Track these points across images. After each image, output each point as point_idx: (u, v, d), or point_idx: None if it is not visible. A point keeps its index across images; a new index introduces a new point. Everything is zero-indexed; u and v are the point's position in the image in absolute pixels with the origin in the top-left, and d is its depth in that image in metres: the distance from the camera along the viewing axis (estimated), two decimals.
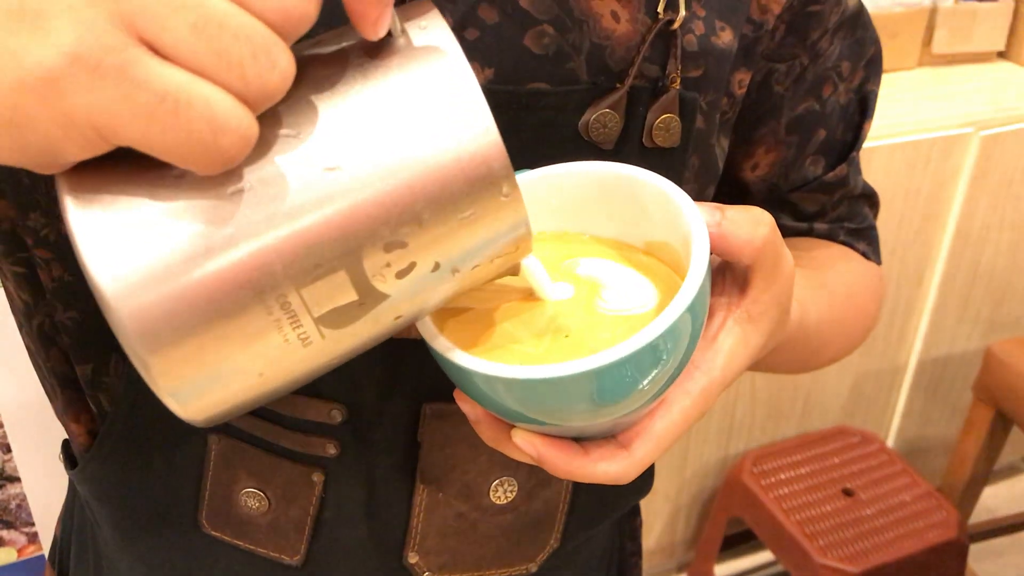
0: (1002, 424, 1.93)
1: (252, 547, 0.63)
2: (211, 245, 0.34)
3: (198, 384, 0.36)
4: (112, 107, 0.31)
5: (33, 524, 1.66)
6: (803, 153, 0.69)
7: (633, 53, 0.54)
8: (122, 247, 0.33)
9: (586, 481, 0.46)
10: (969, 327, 2.09)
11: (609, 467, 0.45)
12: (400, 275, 0.37)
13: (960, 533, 1.76)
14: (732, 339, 0.48)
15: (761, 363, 0.54)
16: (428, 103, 0.36)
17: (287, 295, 0.35)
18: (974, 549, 1.94)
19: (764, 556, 2.13)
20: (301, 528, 0.62)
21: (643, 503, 1.99)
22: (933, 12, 1.96)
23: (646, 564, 2.08)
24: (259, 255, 0.34)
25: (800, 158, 0.69)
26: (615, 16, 0.54)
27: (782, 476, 1.86)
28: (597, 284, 0.48)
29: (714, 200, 0.65)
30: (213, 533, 0.63)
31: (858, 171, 0.74)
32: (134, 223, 0.34)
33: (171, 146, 0.32)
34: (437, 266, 0.38)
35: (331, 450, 0.60)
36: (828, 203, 0.72)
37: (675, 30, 0.55)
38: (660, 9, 0.54)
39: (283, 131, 0.35)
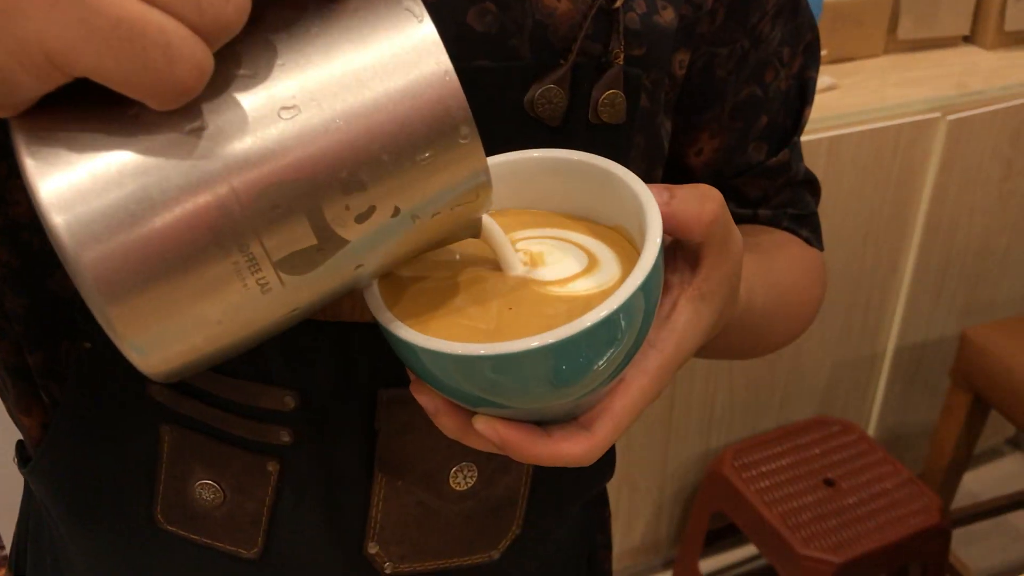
0: (980, 408, 1.93)
1: (209, 541, 0.62)
2: (167, 185, 0.34)
3: (158, 333, 0.36)
4: (66, 33, 0.30)
5: (4, 548, 1.64)
6: (746, 138, 0.69)
7: (576, 31, 0.55)
8: (78, 190, 0.33)
9: (550, 464, 0.45)
10: (945, 313, 2.09)
11: (572, 448, 0.45)
12: (360, 219, 0.37)
13: (942, 519, 1.76)
14: (685, 317, 0.48)
15: (709, 347, 0.54)
16: (386, 45, 0.36)
17: (245, 237, 0.35)
18: (957, 534, 1.94)
19: (749, 550, 2.13)
20: (257, 520, 0.61)
21: (625, 500, 1.99)
22: None
23: (632, 562, 2.08)
24: (216, 195, 0.34)
25: (743, 143, 0.69)
26: None
27: (763, 469, 1.86)
28: (552, 257, 0.48)
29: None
30: (169, 528, 0.62)
31: (800, 157, 0.74)
32: (90, 165, 0.33)
33: (126, 75, 0.31)
34: (397, 211, 0.38)
35: (285, 438, 0.59)
36: (771, 188, 0.73)
37: (617, 8, 0.55)
38: None
39: (241, 71, 0.35)
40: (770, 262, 0.67)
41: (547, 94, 0.54)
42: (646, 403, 0.47)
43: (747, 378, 1.94)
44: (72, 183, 0.33)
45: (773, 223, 0.74)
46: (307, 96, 0.35)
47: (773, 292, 0.65)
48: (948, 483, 2.04)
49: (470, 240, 0.48)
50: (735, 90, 0.66)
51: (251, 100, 0.35)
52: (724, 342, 0.58)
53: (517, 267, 0.46)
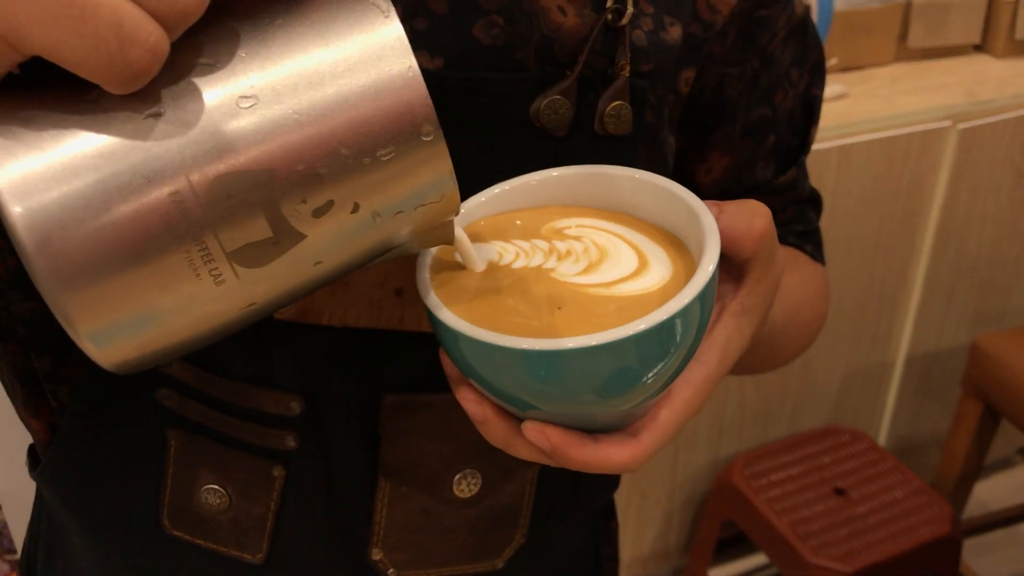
0: (992, 417, 1.92)
1: (214, 546, 0.63)
2: (122, 173, 0.34)
3: (111, 323, 0.35)
4: (18, 10, 0.31)
5: (16, 551, 1.64)
6: (755, 157, 0.70)
7: (583, 44, 0.55)
8: (33, 175, 0.33)
9: (597, 471, 0.46)
10: (956, 321, 2.08)
11: (620, 455, 0.45)
12: (317, 214, 0.36)
13: (953, 528, 1.75)
14: (728, 331, 0.49)
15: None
16: (350, 39, 0.36)
17: (199, 228, 0.35)
18: (968, 544, 1.93)
19: (759, 559, 2.12)
20: (262, 525, 0.62)
21: (635, 509, 1.98)
22: (908, 7, 1.96)
23: (641, 570, 2.07)
24: (170, 184, 0.34)
25: (752, 162, 0.70)
26: (562, 10, 0.55)
27: (773, 477, 1.85)
28: (600, 257, 0.48)
29: None
30: (175, 532, 0.63)
31: (806, 175, 0.75)
32: (46, 149, 0.33)
33: (77, 55, 0.31)
34: (356, 207, 0.37)
35: (290, 442, 0.59)
36: (778, 206, 0.74)
37: (623, 25, 0.56)
38: (608, 4, 0.55)
39: (202, 60, 0.35)
40: (784, 279, 0.67)
41: (552, 105, 0.55)
42: (690, 414, 0.47)
43: (757, 386, 1.94)
44: (27, 168, 0.33)
45: (779, 239, 0.74)
46: (267, 88, 0.35)
47: (788, 308, 0.66)
48: (959, 493, 2.02)
49: (512, 237, 0.48)
50: (746, 110, 0.67)
51: (210, 89, 0.35)
52: (745, 359, 0.58)
53: (479, 265, 0.47)
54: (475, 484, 0.63)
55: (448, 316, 0.43)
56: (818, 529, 1.74)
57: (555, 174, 0.51)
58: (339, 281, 0.48)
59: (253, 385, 0.57)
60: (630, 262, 0.47)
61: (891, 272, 1.93)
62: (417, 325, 0.57)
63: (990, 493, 2.30)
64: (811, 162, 0.76)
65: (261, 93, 0.35)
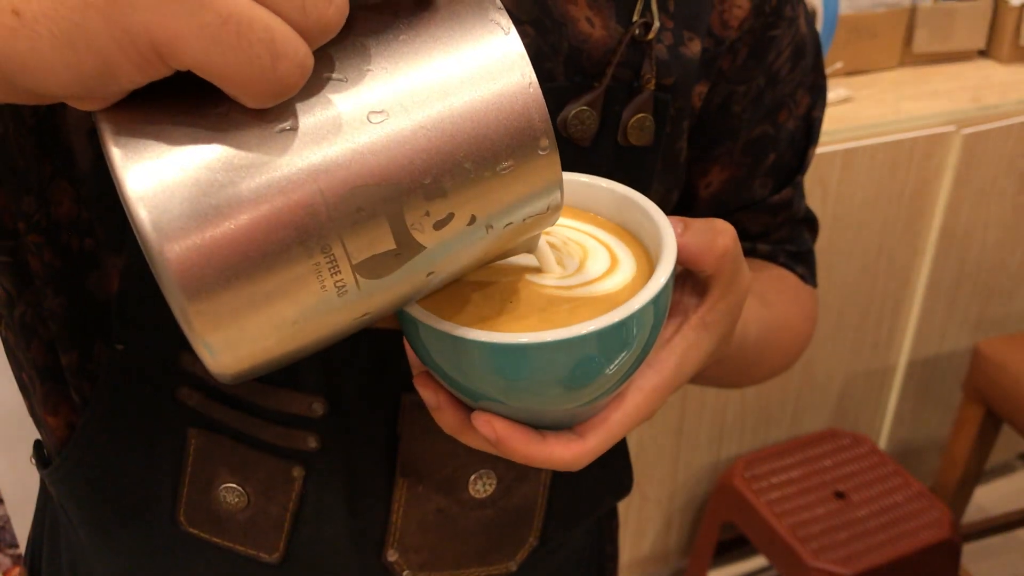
0: (992, 422, 1.93)
1: (230, 544, 0.63)
2: (255, 183, 0.34)
3: (234, 332, 0.36)
4: (175, 25, 0.31)
5: (18, 546, 1.64)
6: (754, 174, 0.71)
7: (610, 56, 0.56)
8: (164, 183, 0.33)
9: (540, 466, 0.47)
10: (958, 326, 2.09)
11: (563, 452, 0.46)
12: (438, 226, 0.37)
13: (953, 533, 1.75)
14: (686, 343, 0.49)
15: (700, 375, 0.55)
16: (473, 55, 0.37)
17: (328, 239, 0.35)
18: (967, 549, 1.93)
19: (759, 561, 2.12)
20: (280, 525, 0.62)
21: (636, 510, 1.98)
22: (913, 12, 1.97)
23: (641, 572, 2.07)
24: (303, 195, 0.34)
25: (750, 178, 0.71)
26: (590, 22, 0.56)
27: (774, 480, 1.85)
28: (583, 256, 0.49)
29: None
30: (191, 530, 0.63)
31: (802, 195, 0.76)
32: (178, 158, 0.34)
33: (231, 69, 0.32)
34: (473, 219, 0.38)
35: (312, 443, 0.59)
36: (772, 224, 0.75)
37: (650, 39, 0.57)
38: (635, 18, 0.56)
39: (333, 75, 0.36)
40: (765, 299, 0.69)
41: (580, 115, 0.56)
42: (639, 420, 0.48)
43: (759, 389, 1.94)
44: (159, 176, 0.33)
45: (770, 258, 0.76)
46: (396, 103, 0.36)
47: (766, 328, 0.67)
48: (959, 497, 2.03)
49: None
50: (749, 127, 0.68)
51: (342, 103, 0.35)
52: (715, 372, 0.59)
53: (556, 270, 0.47)
54: (490, 484, 0.63)
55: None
56: (818, 532, 1.74)
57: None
58: None
59: (277, 386, 0.58)
60: (599, 263, 0.48)
61: (893, 276, 1.93)
62: None
63: (990, 498, 2.31)
64: (814, 166, 0.76)
65: (390, 108, 0.36)
